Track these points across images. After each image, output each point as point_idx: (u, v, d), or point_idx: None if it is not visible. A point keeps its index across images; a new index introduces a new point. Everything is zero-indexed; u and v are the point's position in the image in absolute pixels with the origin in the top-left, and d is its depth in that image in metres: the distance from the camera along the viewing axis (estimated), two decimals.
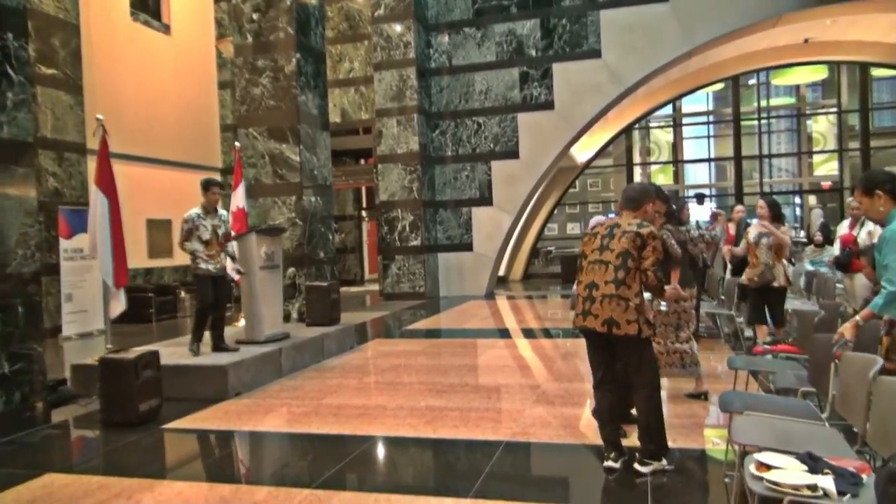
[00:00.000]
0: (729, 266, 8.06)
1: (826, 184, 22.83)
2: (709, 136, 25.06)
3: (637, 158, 22.87)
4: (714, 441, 4.12)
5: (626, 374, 3.65)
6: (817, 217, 9.71)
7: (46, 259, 9.36)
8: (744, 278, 6.48)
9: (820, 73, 20.30)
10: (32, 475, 3.93)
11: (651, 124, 23.68)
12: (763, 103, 22.65)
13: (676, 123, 23.91)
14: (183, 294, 12.16)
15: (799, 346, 4.84)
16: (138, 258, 11.98)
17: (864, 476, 2.32)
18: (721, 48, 13.49)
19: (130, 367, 4.97)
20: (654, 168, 24.86)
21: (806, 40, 14.61)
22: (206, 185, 6.29)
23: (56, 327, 9.53)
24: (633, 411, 3.91)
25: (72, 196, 10.30)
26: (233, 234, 6.86)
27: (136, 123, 12.30)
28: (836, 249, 6.95)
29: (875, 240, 3.63)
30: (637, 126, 19.93)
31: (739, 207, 9.26)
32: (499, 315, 11.29)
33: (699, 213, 12.72)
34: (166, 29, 13.47)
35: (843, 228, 7.03)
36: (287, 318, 8.37)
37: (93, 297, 9.65)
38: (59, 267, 9.46)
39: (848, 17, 13.02)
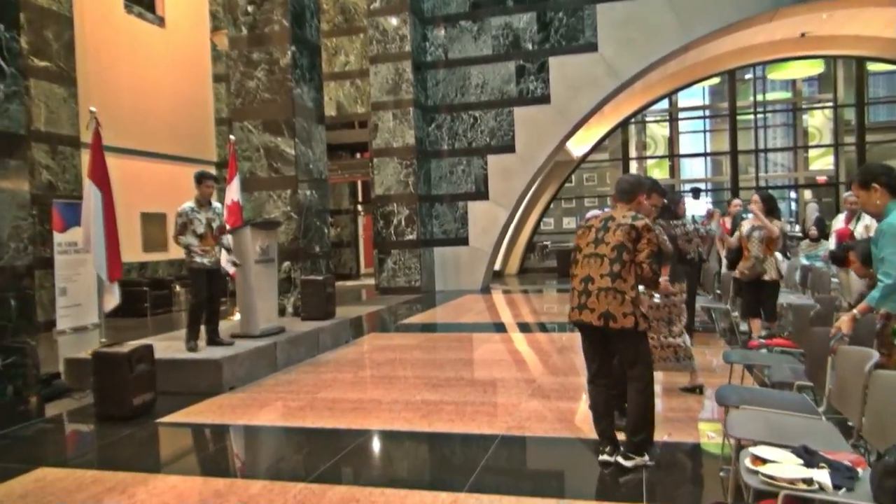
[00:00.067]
0: (724, 260, 8.07)
1: (822, 178, 22.88)
2: (705, 131, 25.09)
3: (633, 153, 22.90)
4: (709, 435, 4.12)
5: (621, 368, 3.64)
6: (812, 211, 9.76)
7: (40, 253, 9.32)
8: (736, 272, 6.50)
9: (816, 68, 20.32)
10: (25, 469, 3.91)
11: (647, 118, 23.71)
12: (759, 98, 22.69)
13: (673, 118, 23.93)
14: (178, 288, 12.12)
15: (794, 341, 4.84)
16: (133, 252, 11.93)
17: (859, 470, 2.31)
18: (718, 42, 13.47)
19: (124, 361, 4.95)
20: (650, 162, 24.88)
21: (803, 34, 14.60)
22: (200, 178, 6.25)
23: (50, 321, 9.49)
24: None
25: (66, 189, 10.25)
26: (227, 227, 6.83)
27: (131, 116, 12.24)
28: (831, 244, 6.96)
29: (872, 233, 3.62)
30: (633, 120, 19.95)
31: (736, 201, 9.29)
32: (494, 309, 11.29)
33: (695, 208, 12.73)
34: (161, 21, 13.38)
35: (838, 223, 7.03)
36: (282, 312, 8.35)
37: (87, 290, 9.61)
38: (54, 261, 9.42)
39: (845, 11, 13.02)
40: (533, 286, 14.80)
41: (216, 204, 6.41)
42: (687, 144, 25.36)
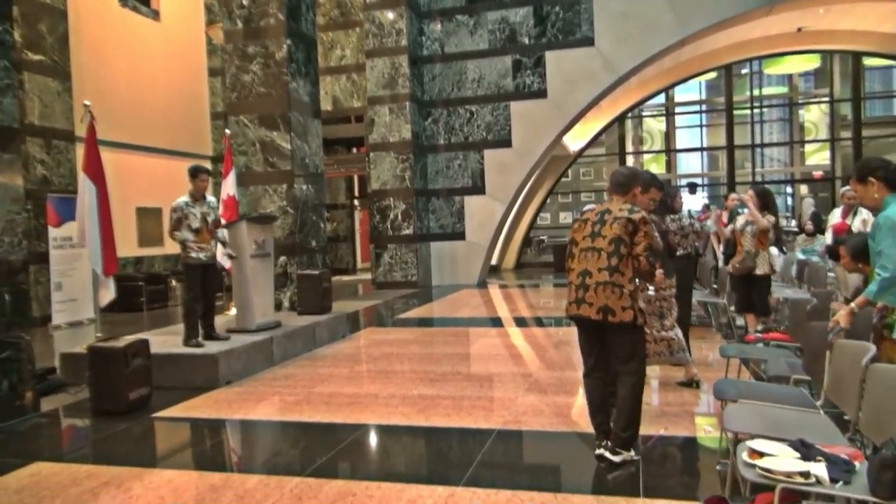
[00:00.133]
0: (721, 255, 8.08)
1: (818, 173, 22.92)
2: (701, 126, 25.13)
3: (630, 147, 22.89)
4: (706, 429, 4.13)
5: (616, 362, 3.64)
6: (808, 206, 9.77)
7: (35, 247, 9.28)
8: (729, 266, 6.52)
9: (813, 63, 20.33)
10: (21, 464, 3.89)
11: (644, 113, 23.69)
12: (756, 92, 22.69)
13: (669, 112, 23.93)
14: (174, 283, 12.08)
15: (790, 335, 4.85)
16: (128, 247, 11.89)
17: (856, 463, 2.32)
18: (714, 37, 13.46)
19: (120, 356, 4.93)
20: (646, 157, 24.88)
21: (799, 29, 14.60)
22: (194, 172, 6.20)
23: (46, 316, 9.46)
24: None
25: (60, 184, 10.20)
26: (223, 221, 6.80)
27: (125, 110, 12.17)
28: (827, 238, 6.97)
29: (869, 228, 3.62)
30: (630, 115, 19.92)
31: (733, 196, 9.29)
32: (491, 304, 11.29)
33: (691, 203, 12.75)
34: (155, 15, 13.30)
35: (834, 217, 7.04)
36: (278, 306, 8.32)
37: (82, 285, 9.57)
38: (49, 255, 9.38)
39: (841, 6, 13.02)
40: (529, 281, 14.81)
41: (211, 198, 6.35)
42: (683, 139, 25.38)
